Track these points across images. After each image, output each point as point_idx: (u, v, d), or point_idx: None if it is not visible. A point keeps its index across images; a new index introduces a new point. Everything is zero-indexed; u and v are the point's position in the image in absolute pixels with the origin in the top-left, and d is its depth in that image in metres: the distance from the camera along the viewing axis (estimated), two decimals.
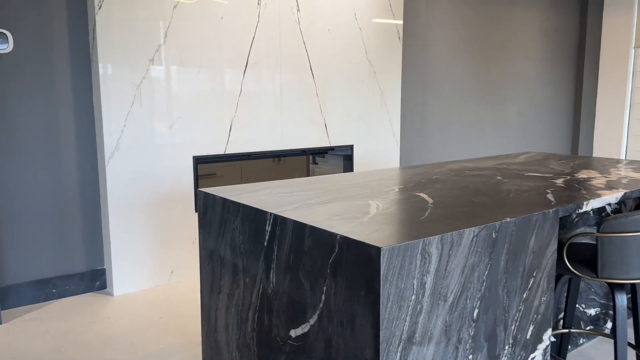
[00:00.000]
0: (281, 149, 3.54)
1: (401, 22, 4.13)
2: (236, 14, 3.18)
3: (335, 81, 3.77)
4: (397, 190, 1.85)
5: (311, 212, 1.45)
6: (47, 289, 2.80)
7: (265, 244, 1.50)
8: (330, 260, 1.25)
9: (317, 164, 4.07)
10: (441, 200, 1.64)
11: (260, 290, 1.54)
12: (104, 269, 2.99)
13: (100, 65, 2.70)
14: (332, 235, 1.24)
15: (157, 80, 2.90)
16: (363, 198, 1.67)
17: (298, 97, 3.57)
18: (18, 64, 2.62)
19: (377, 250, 1.10)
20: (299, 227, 1.35)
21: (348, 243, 1.19)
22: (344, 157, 4.05)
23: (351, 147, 3.97)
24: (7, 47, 2.55)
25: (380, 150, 4.16)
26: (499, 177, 2.16)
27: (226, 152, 3.26)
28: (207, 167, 3.42)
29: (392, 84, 4.16)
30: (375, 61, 4.00)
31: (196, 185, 3.14)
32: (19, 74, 2.63)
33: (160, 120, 2.94)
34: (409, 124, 4.57)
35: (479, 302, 1.36)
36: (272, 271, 1.48)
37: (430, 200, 1.65)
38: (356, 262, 1.17)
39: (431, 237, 1.20)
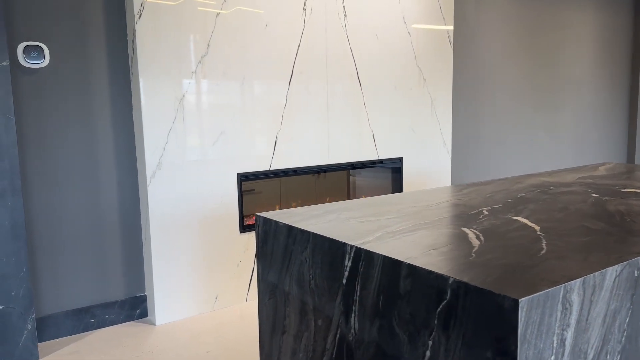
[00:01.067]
0: (328, 163, 3.33)
1: (451, 26, 3.89)
2: (281, 21, 3.00)
3: (383, 90, 3.55)
4: (486, 213, 1.60)
5: (401, 245, 1.22)
6: (86, 319, 2.65)
7: (344, 281, 1.27)
8: (439, 309, 1.01)
9: (353, 175, 3.84)
10: (549, 227, 1.38)
11: (338, 336, 1.31)
12: (145, 295, 2.82)
13: (140, 78, 2.56)
14: (442, 278, 1.00)
15: (200, 94, 2.74)
16: (452, 225, 1.43)
17: (345, 107, 3.36)
18: (54, 79, 2.50)
19: (513, 302, 0.86)
20: (392, 264, 1.12)
21: (466, 290, 0.95)
22: (392, 170, 3.81)
23: (400, 159, 3.73)
24: (43, 62, 2.43)
25: (430, 161, 3.90)
26: (595, 195, 1.89)
27: (271, 169, 3.06)
28: (246, 184, 3.24)
29: (443, 91, 3.91)
30: (425, 67, 3.77)
31: (240, 205, 2.95)
32: (55, 90, 2.50)
33: (203, 136, 2.77)
34: (460, 133, 4.30)
35: (619, 356, 1.10)
36: (353, 315, 1.25)
37: (536, 227, 1.39)
38: (479, 315, 0.93)
39: (572, 282, 0.95)
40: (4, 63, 2.19)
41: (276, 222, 1.54)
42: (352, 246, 1.24)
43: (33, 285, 2.51)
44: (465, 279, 0.96)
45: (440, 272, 1.01)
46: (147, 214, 2.66)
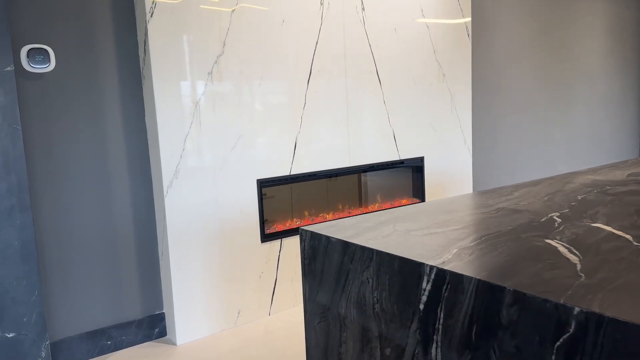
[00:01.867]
0: (349, 165, 3.17)
1: (469, 18, 3.74)
2: (298, 16, 2.84)
3: (402, 86, 3.40)
4: (558, 219, 1.45)
5: (489, 264, 1.06)
6: (102, 341, 2.48)
7: (422, 306, 1.12)
8: (559, 343, 0.86)
9: (372, 177, 3.69)
10: None
11: None
12: (163, 313, 2.66)
13: (154, 81, 2.39)
14: (563, 307, 0.85)
15: (217, 96, 2.58)
16: (532, 236, 1.28)
17: (365, 105, 3.21)
18: (61, 84, 2.33)
19: None
20: (490, 289, 0.97)
21: (598, 322, 0.80)
22: (412, 170, 3.66)
23: (421, 159, 3.58)
24: (49, 66, 2.26)
25: (452, 160, 3.76)
26: None
27: (291, 173, 2.91)
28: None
29: (463, 87, 3.77)
30: (445, 62, 3.62)
31: (261, 213, 2.79)
32: (62, 96, 2.33)
33: (221, 141, 2.61)
34: (479, 130, 4.16)
35: None
36: (434, 345, 1.10)
37: (627, 236, 1.24)
38: (621, 354, 0.78)
39: None
40: (9, 68, 2.01)
41: (327, 237, 1.39)
42: (431, 267, 1.08)
43: (45, 309, 2.34)
44: (596, 309, 0.81)
45: (560, 300, 0.86)
46: (164, 226, 2.50)
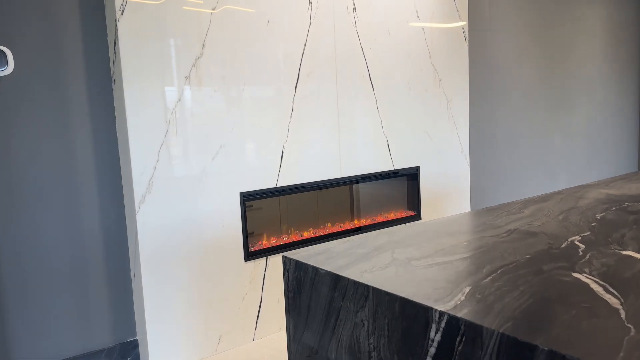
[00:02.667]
0: (340, 176, 2.98)
1: (466, 21, 3.59)
2: (285, 17, 2.66)
3: (397, 91, 3.22)
4: (581, 245, 1.27)
5: (511, 310, 0.87)
6: None
7: (430, 359, 0.93)
8: None
9: (364, 187, 3.50)
10: None
11: None
12: (136, 340, 2.44)
13: (125, 85, 2.18)
14: None
15: (196, 102, 2.38)
16: (554, 267, 1.09)
17: (357, 112, 3.02)
18: (22, 89, 2.12)
19: None
20: (516, 346, 0.77)
21: None
22: (407, 179, 3.48)
23: (417, 168, 3.40)
24: (7, 69, 2.04)
25: (448, 169, 3.59)
26: None
27: (278, 186, 2.71)
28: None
29: (459, 92, 3.60)
30: (440, 66, 3.45)
31: (245, 229, 2.59)
32: (22, 102, 2.12)
33: (200, 151, 2.41)
34: (476, 137, 3.99)
35: None
36: None
37: None
38: None
39: None
40: None
41: (315, 268, 1.19)
42: (441, 312, 0.89)
43: (4, 339, 2.12)
44: None
45: None
46: (137, 245, 2.28)
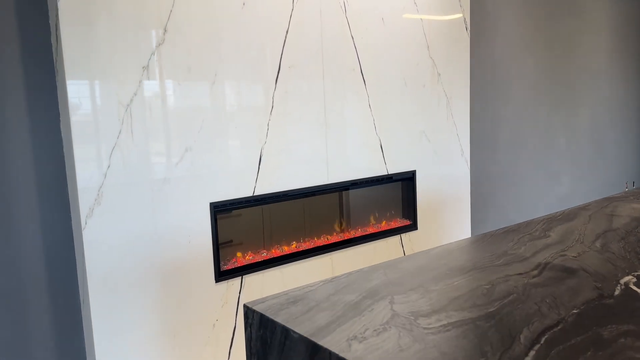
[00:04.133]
0: (327, 182, 2.67)
1: (468, 12, 3.28)
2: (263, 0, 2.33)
3: (391, 87, 2.91)
4: (634, 293, 0.96)
5: None
6: None
7: None
8: None
9: (355, 193, 3.18)
10: None
11: None
12: None
13: (67, 77, 1.84)
14: None
15: (156, 97, 2.04)
16: (620, 334, 0.78)
17: (346, 110, 2.71)
18: None
19: None
20: None
21: None
22: (402, 185, 3.17)
23: (413, 172, 3.09)
24: None
25: (447, 173, 3.29)
26: None
27: (255, 194, 2.38)
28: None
29: (460, 89, 3.30)
30: (440, 60, 3.15)
31: (216, 244, 2.26)
32: None
33: (161, 155, 2.07)
34: (478, 138, 3.70)
35: None
36: None
37: None
38: None
39: None
40: None
41: (285, 329, 0.87)
42: None
43: None
44: None
45: None
46: (84, 267, 1.95)
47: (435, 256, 1.26)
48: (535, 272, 1.11)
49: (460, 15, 3.24)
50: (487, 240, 1.39)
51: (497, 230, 1.51)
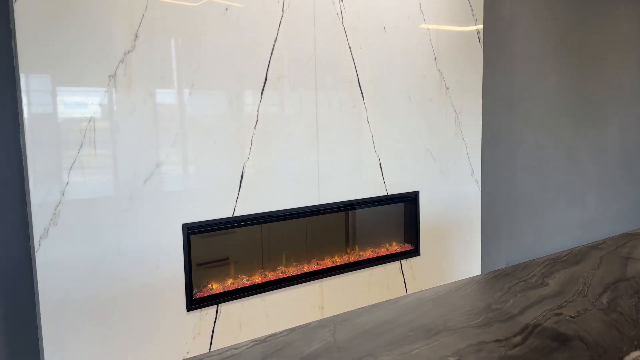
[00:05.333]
0: (318, 203, 2.48)
1: (481, 21, 3.07)
2: (248, 4, 2.18)
3: (393, 101, 2.71)
4: None
5: None
6: None
7: None
8: None
9: (352, 216, 2.98)
10: None
11: None
12: None
13: (23, 85, 1.71)
14: None
15: (123, 108, 1.90)
16: None
17: (341, 125, 2.52)
18: None
19: None
20: None
21: None
22: (404, 207, 2.96)
23: (416, 194, 2.88)
24: None
25: (455, 195, 3.06)
26: None
27: (235, 215, 2.21)
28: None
29: (471, 104, 3.08)
30: (448, 72, 2.94)
31: (188, 269, 2.09)
32: None
33: (128, 171, 1.92)
34: (491, 157, 3.46)
35: None
36: None
37: None
38: None
39: None
40: None
41: None
42: None
43: None
44: None
45: None
46: (36, 293, 1.80)
47: (403, 309, 1.06)
48: (519, 338, 0.90)
49: (473, 23, 3.04)
50: (471, 288, 1.18)
51: (488, 273, 1.30)
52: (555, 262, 1.37)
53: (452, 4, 2.92)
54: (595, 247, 1.53)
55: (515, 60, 3.70)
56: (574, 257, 1.42)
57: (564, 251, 1.47)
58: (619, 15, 4.47)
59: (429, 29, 2.83)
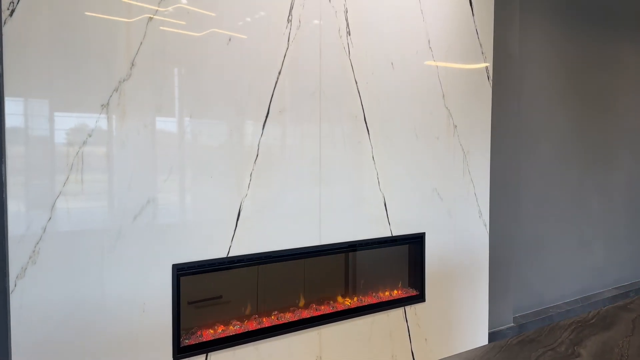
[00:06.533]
0: (320, 243, 2.35)
1: (491, 59, 3.02)
2: (253, 35, 2.10)
3: (399, 138, 2.62)
4: None
5: None
6: None
7: None
8: None
9: (352, 258, 2.84)
10: None
11: None
12: None
13: (7, 111, 1.61)
14: None
15: (115, 138, 1.79)
16: None
17: (345, 161, 2.42)
18: None
19: None
20: None
21: None
22: (409, 249, 2.83)
23: (421, 236, 2.75)
24: None
25: (462, 236, 2.93)
26: None
27: (230, 255, 2.08)
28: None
29: (479, 143, 2.99)
30: (457, 110, 2.86)
31: (177, 313, 1.95)
32: None
33: (116, 207, 1.80)
34: (499, 197, 3.35)
35: None
36: None
37: None
38: None
39: None
40: None
41: None
42: None
43: None
44: None
45: None
46: (9, 337, 1.65)
47: None
48: None
49: (482, 61, 2.98)
50: (494, 357, 1.04)
51: (511, 339, 1.16)
52: (584, 326, 1.24)
53: (462, 41, 2.87)
54: (623, 307, 1.40)
55: (523, 100, 3.64)
56: (603, 319, 1.29)
57: (590, 312, 1.34)
58: (624, 58, 4.44)
59: (437, 66, 2.76)
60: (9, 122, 1.61)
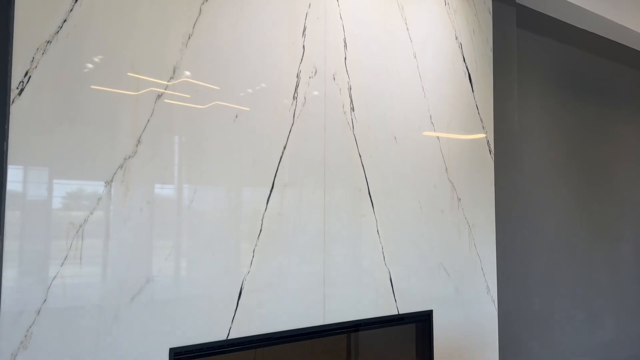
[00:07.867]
0: (324, 323, 2.26)
1: (491, 132, 3.07)
2: (259, 112, 2.13)
3: (404, 212, 2.60)
4: None
5: None
6: None
7: None
8: None
9: (355, 338, 2.72)
10: None
11: None
12: None
13: (9, 183, 1.59)
14: None
15: (118, 215, 1.76)
16: None
17: (350, 236, 2.38)
18: None
19: None
20: None
21: None
22: (416, 328, 2.72)
23: (429, 313, 2.66)
24: None
25: (470, 313, 2.84)
26: None
27: (230, 337, 1.99)
28: None
29: (484, 216, 2.97)
30: (460, 183, 2.86)
31: None
32: None
33: (115, 287, 1.74)
34: (506, 271, 3.28)
35: None
36: None
37: None
38: None
39: None
40: None
41: None
42: None
43: None
44: None
45: None
46: None
47: None
48: None
49: (483, 135, 3.02)
50: None
51: None
52: None
53: (462, 115, 2.92)
54: None
55: (526, 172, 3.66)
56: None
57: None
58: (621, 130, 4.53)
59: (439, 140, 2.79)
60: (9, 201, 1.58)
